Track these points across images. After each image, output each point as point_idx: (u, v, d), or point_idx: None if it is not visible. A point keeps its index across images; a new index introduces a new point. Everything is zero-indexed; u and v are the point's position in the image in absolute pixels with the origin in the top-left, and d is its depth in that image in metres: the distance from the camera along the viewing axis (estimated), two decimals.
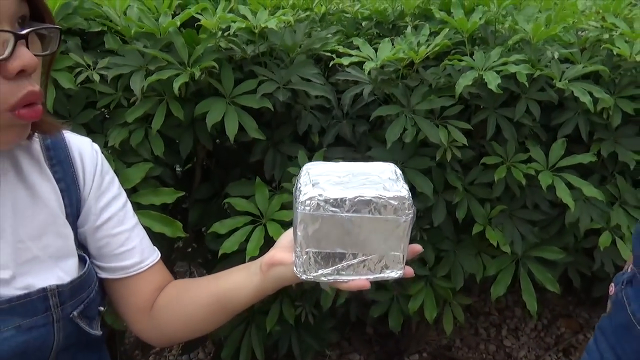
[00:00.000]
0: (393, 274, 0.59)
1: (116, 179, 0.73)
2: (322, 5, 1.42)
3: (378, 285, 1.31)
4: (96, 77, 0.96)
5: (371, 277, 0.59)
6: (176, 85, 0.94)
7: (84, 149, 0.69)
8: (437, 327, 1.97)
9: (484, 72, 1.02)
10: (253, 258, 1.03)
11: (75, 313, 0.64)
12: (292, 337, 1.36)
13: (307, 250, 0.58)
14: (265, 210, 1.08)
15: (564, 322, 2.09)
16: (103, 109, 1.03)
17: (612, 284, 0.76)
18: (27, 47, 0.51)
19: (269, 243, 1.05)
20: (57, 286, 0.61)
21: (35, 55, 0.52)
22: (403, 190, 0.56)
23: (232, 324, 1.31)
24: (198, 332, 0.77)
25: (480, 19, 1.13)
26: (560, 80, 1.09)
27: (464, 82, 1.00)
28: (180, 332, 0.75)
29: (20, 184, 0.62)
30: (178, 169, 1.27)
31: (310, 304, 1.28)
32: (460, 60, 1.06)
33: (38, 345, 0.60)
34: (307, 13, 1.29)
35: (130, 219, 0.73)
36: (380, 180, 0.58)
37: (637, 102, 1.18)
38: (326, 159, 1.14)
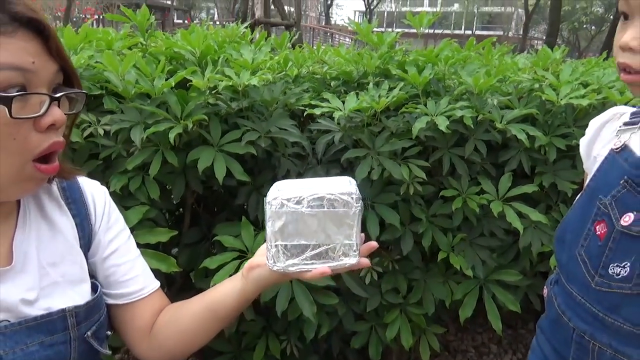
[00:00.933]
0: (350, 260, 0.70)
1: (121, 216, 0.84)
2: (295, 68, 1.61)
3: (357, 316, 1.41)
4: (100, 132, 1.10)
5: (332, 264, 0.70)
6: (171, 136, 1.08)
7: (94, 190, 0.81)
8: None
9: (435, 117, 1.20)
10: None
11: (89, 333, 0.73)
12: None
13: (275, 243, 0.69)
14: (251, 246, 1.20)
15: None
16: (104, 160, 1.16)
17: (545, 287, 0.90)
18: (59, 107, 0.64)
19: None
20: (75, 307, 0.71)
21: (66, 113, 0.65)
22: (351, 187, 0.68)
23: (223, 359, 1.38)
24: (194, 343, 0.84)
25: (430, 74, 1.33)
26: (500, 123, 1.28)
27: (419, 125, 1.18)
28: (179, 346, 0.83)
29: (42, 219, 0.74)
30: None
31: (295, 337, 1.36)
32: (415, 109, 1.24)
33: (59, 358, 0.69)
34: (282, 74, 1.47)
35: (134, 250, 0.84)
36: (333, 184, 0.70)
37: (569, 140, 1.37)
38: None
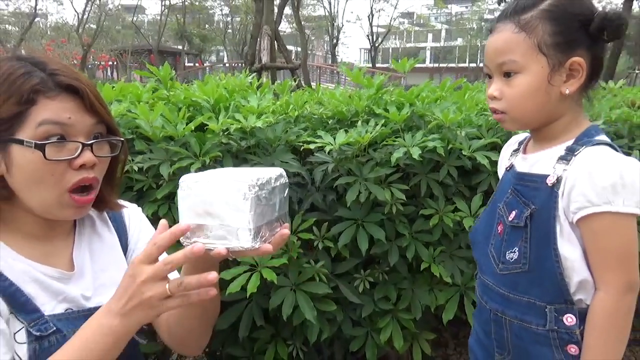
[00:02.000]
0: (244, 243, 0.71)
1: (152, 229, 1.07)
2: (295, 110, 1.87)
3: (354, 322, 1.61)
4: (135, 168, 1.35)
5: (229, 245, 0.71)
6: (193, 170, 1.32)
7: (131, 212, 1.05)
8: None
9: (411, 148, 1.44)
10: (252, 295, 1.35)
11: None
12: None
13: (182, 217, 0.73)
14: (260, 260, 1.42)
15: None
16: (137, 191, 1.40)
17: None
18: (92, 151, 0.81)
19: (265, 283, 1.38)
20: None
21: (100, 156, 0.83)
22: (252, 177, 0.71)
23: None
24: (188, 330, 0.96)
25: (407, 113, 1.58)
26: (467, 151, 1.51)
27: (396, 155, 1.42)
28: (180, 333, 0.96)
29: (94, 234, 0.97)
30: None
31: (300, 342, 1.56)
32: (394, 142, 1.49)
33: None
34: (284, 116, 1.73)
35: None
36: (244, 172, 0.74)
37: None
38: (303, 221, 1.51)
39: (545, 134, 0.96)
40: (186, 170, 1.35)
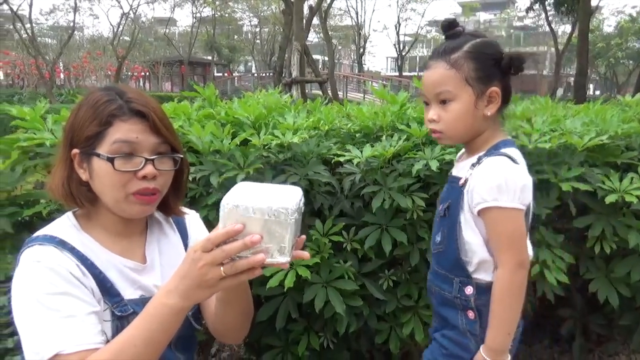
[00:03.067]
0: (282, 259, 0.82)
1: (207, 232, 1.26)
2: (325, 125, 2.06)
3: (379, 317, 1.78)
4: (189, 178, 1.56)
5: (268, 260, 0.81)
6: (239, 180, 1.53)
7: (192, 218, 1.24)
8: None
9: (430, 160, 1.61)
10: (288, 290, 1.54)
11: (189, 314, 1.12)
12: None
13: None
14: (295, 260, 1.61)
15: None
16: (190, 198, 1.62)
17: None
18: (153, 165, 0.98)
19: (299, 280, 1.57)
20: None
21: (161, 169, 0.99)
22: (290, 202, 0.81)
23: (273, 353, 1.77)
24: (227, 322, 1.12)
25: (427, 129, 1.74)
26: None
27: (417, 167, 1.60)
28: (221, 324, 1.12)
29: (162, 235, 1.18)
30: None
31: (330, 334, 1.74)
32: (415, 155, 1.66)
33: None
34: (317, 131, 1.92)
35: None
36: (279, 196, 0.83)
37: (541, 174, 1.74)
38: (333, 225, 1.70)
39: (472, 146, 1.22)
40: (233, 179, 1.56)
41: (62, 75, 30.18)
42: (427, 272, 1.72)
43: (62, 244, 0.98)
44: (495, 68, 1.16)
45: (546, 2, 19.77)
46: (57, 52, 23.16)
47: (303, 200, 0.89)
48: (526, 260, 1.14)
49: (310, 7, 10.33)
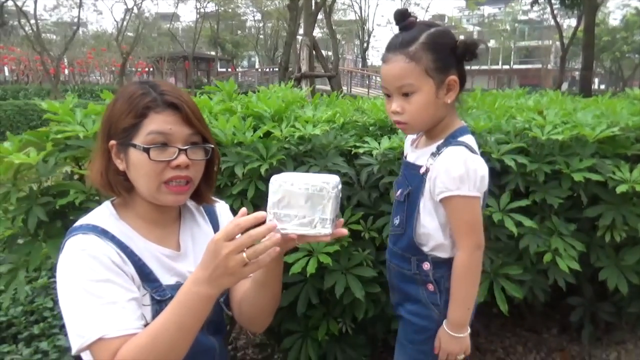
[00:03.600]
0: (324, 230, 0.90)
1: None
2: (341, 118, 2.12)
3: None
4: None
5: (311, 232, 0.90)
6: (262, 170, 1.59)
7: (221, 207, 1.30)
8: None
9: None
10: (308, 277, 1.60)
11: (221, 299, 1.19)
12: (336, 350, 1.87)
13: (273, 211, 0.90)
14: (316, 247, 1.67)
15: (559, 354, 2.50)
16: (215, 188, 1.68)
17: None
18: (186, 155, 1.02)
19: (320, 267, 1.63)
20: None
21: (194, 159, 1.04)
22: (330, 180, 0.91)
23: (293, 338, 1.83)
24: (256, 306, 1.15)
25: None
26: (496, 154, 1.72)
27: None
28: (249, 310, 1.16)
29: (194, 223, 1.23)
30: None
31: (349, 319, 1.81)
32: None
33: None
34: (334, 125, 1.98)
35: None
36: (320, 176, 0.93)
37: (553, 165, 1.80)
38: (352, 215, 1.75)
39: (432, 133, 1.29)
40: (256, 170, 1.62)
41: (66, 71, 30.25)
42: None
43: (104, 233, 1.03)
44: (452, 56, 1.20)
45: None
46: (62, 48, 23.22)
47: (340, 185, 0.96)
48: (482, 242, 1.25)
49: (316, 2, 10.34)
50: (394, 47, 1.21)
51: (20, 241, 1.62)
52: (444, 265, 1.28)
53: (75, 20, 25.66)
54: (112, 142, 1.05)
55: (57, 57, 21.58)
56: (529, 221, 1.70)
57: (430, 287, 1.32)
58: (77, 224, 1.07)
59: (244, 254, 0.87)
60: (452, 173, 1.19)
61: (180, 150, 1.02)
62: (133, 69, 33.71)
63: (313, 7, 9.42)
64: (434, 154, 1.24)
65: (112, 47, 31.73)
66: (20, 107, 13.24)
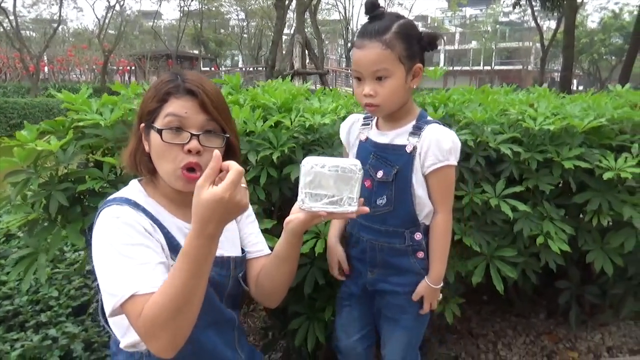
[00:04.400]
0: (351, 208, 1.03)
1: (251, 207, 1.39)
2: (342, 110, 2.20)
3: None
4: None
5: (339, 209, 1.03)
6: (274, 157, 1.67)
7: None
8: (446, 343, 2.53)
9: None
10: (319, 255, 1.69)
11: (239, 275, 1.26)
12: None
13: (305, 191, 1.03)
14: (323, 230, 1.76)
15: (546, 337, 2.64)
16: None
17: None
18: (199, 142, 1.06)
19: (326, 249, 1.71)
20: (235, 257, 1.23)
21: (207, 146, 1.06)
22: (356, 162, 1.04)
23: (300, 319, 1.92)
24: (276, 282, 1.23)
25: (443, 112, 1.91)
26: (493, 143, 1.83)
27: None
28: (268, 286, 1.24)
29: None
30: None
31: None
32: None
33: (223, 284, 1.20)
34: (337, 117, 2.07)
35: (257, 227, 1.37)
36: (345, 160, 1.06)
37: (545, 154, 1.92)
38: None
39: (396, 116, 1.41)
40: (269, 158, 1.70)
41: (46, 69, 29.75)
42: None
43: (136, 205, 1.10)
44: (417, 46, 1.35)
45: None
46: (42, 46, 22.85)
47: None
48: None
49: (303, 1, 10.43)
50: (369, 34, 1.32)
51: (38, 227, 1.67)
52: (428, 232, 1.45)
53: (55, 17, 25.28)
54: (142, 125, 1.13)
55: (37, 54, 21.23)
56: (524, 205, 1.82)
57: (421, 254, 1.46)
58: (110, 197, 1.13)
59: (243, 185, 0.95)
60: (444, 145, 1.35)
61: (192, 135, 1.06)
62: (114, 67, 33.31)
63: (295, 6, 9.50)
64: (413, 134, 1.39)
65: (94, 45, 31.32)
66: (0, 106, 13.05)
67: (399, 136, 1.41)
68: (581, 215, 2.10)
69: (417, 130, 1.39)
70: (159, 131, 1.07)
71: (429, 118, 1.44)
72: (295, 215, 1.12)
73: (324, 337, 1.88)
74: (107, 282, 1.00)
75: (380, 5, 1.35)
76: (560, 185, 2.00)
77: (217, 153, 0.95)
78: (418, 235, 1.45)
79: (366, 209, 1.10)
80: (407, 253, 1.46)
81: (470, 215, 1.87)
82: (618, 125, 2.18)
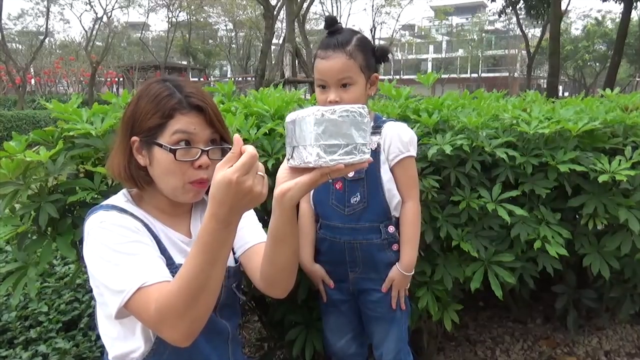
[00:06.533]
0: (366, 156, 0.90)
1: (251, 212, 1.32)
2: None
3: None
4: None
5: (356, 159, 0.89)
6: (269, 165, 1.65)
7: None
8: (444, 350, 2.50)
9: (443, 145, 1.76)
10: None
11: (233, 285, 1.23)
12: None
13: (319, 143, 0.87)
14: None
15: (544, 342, 2.63)
16: None
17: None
18: (207, 155, 1.07)
19: None
20: (228, 267, 1.16)
21: (214, 159, 1.07)
22: (361, 105, 0.91)
23: (297, 329, 1.88)
24: (277, 266, 1.10)
25: (437, 117, 1.90)
26: (488, 147, 1.83)
27: (432, 151, 1.74)
28: (271, 272, 1.12)
29: (204, 212, 1.24)
30: None
31: None
32: (429, 141, 1.81)
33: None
34: None
35: (255, 218, 1.31)
36: (346, 105, 0.91)
37: (540, 158, 1.91)
38: None
39: None
40: (265, 164, 1.68)
41: (33, 81, 29.48)
42: (439, 250, 1.88)
43: (123, 211, 1.09)
44: (373, 58, 1.50)
45: (517, 6, 20.39)
46: (29, 58, 22.67)
47: None
48: None
49: (291, 11, 10.46)
50: (333, 46, 1.44)
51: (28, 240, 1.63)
52: (398, 225, 1.56)
53: (41, 29, 25.11)
54: (135, 138, 1.10)
55: (23, 67, 21.03)
56: (520, 210, 1.81)
57: (395, 246, 1.57)
58: (96, 206, 1.12)
59: (260, 173, 0.89)
60: (404, 138, 1.52)
61: (202, 151, 1.08)
62: (102, 78, 33.12)
63: (283, 16, 9.51)
64: (374, 133, 1.51)
65: (81, 57, 31.11)
66: None
67: None
68: (577, 218, 2.10)
69: (377, 129, 1.53)
70: (173, 151, 1.06)
71: (384, 118, 1.60)
72: (294, 181, 0.94)
73: (322, 346, 1.85)
74: (110, 281, 0.99)
75: (338, 21, 1.49)
76: (555, 188, 2.00)
77: (237, 137, 0.90)
78: (391, 228, 1.55)
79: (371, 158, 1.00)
80: (384, 247, 1.56)
81: (467, 220, 1.86)
82: (610, 128, 2.19)
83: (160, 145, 1.07)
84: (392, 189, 1.53)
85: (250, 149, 0.87)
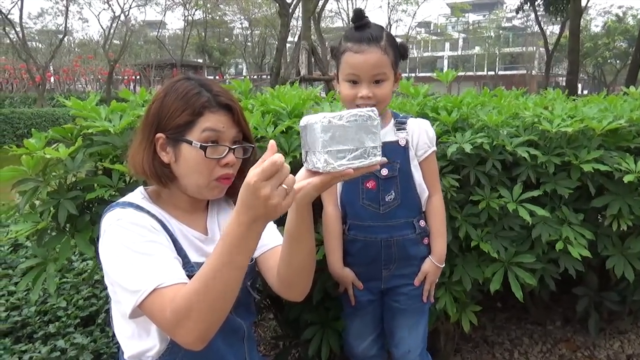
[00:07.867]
0: (377, 158, 0.92)
1: None
2: None
3: None
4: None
5: (366, 162, 0.90)
6: (287, 163, 1.63)
7: None
8: (461, 352, 2.47)
9: (463, 144, 1.73)
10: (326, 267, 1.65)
11: (248, 283, 1.22)
12: None
13: (327, 149, 0.88)
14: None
15: (564, 345, 2.58)
16: None
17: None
18: (233, 153, 1.10)
19: None
20: None
21: (238, 157, 1.11)
22: (372, 108, 0.92)
23: (314, 329, 1.87)
24: (294, 266, 1.09)
25: (456, 116, 1.87)
26: (509, 146, 1.79)
27: (451, 150, 1.71)
28: (288, 273, 1.11)
29: (221, 211, 1.26)
30: None
31: None
32: (449, 139, 1.78)
33: None
34: None
35: (274, 225, 1.30)
36: (356, 110, 0.93)
37: (562, 157, 1.87)
38: None
39: (382, 115, 1.47)
40: None
41: (52, 79, 29.94)
42: (458, 250, 1.85)
43: (139, 208, 1.10)
44: (398, 54, 1.49)
45: (536, 3, 20.08)
46: (48, 56, 23.03)
47: None
48: None
49: (307, 9, 10.45)
50: (367, 40, 1.41)
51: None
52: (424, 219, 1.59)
53: (60, 28, 25.50)
54: (160, 135, 1.10)
55: (43, 65, 21.37)
56: (542, 210, 1.77)
57: (426, 240, 1.60)
58: (113, 203, 1.12)
59: (284, 185, 0.88)
60: (430, 133, 1.57)
61: (230, 149, 1.10)
62: (119, 76, 33.50)
63: (299, 14, 9.50)
64: (399, 129, 1.54)
65: (99, 55, 31.53)
66: (7, 116, 13.11)
67: (385, 134, 1.49)
68: (600, 220, 2.04)
69: (401, 125, 1.55)
70: (203, 148, 1.07)
71: (400, 114, 1.61)
72: (307, 181, 0.95)
73: (338, 346, 1.83)
74: (125, 281, 0.99)
75: (366, 14, 1.45)
76: (578, 188, 1.95)
77: (272, 142, 0.91)
78: (422, 223, 1.58)
79: (384, 159, 0.99)
80: (417, 241, 1.58)
81: (487, 220, 1.82)
82: (635, 127, 2.13)
83: (190, 142, 1.07)
84: (422, 183, 1.56)
85: (275, 157, 0.86)
